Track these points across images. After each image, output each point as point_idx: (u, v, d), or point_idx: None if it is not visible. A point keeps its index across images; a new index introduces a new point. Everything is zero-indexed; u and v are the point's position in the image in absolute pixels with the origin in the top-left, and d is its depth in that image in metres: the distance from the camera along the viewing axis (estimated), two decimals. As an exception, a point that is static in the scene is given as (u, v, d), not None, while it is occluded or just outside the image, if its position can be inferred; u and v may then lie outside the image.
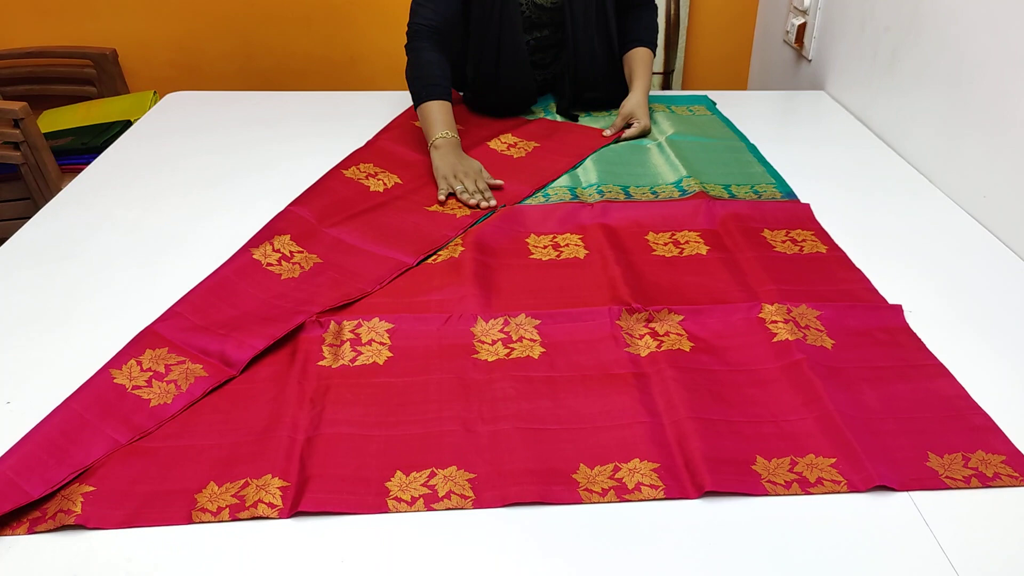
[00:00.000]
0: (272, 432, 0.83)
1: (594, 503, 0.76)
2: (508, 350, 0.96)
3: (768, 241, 1.19)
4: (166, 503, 0.75)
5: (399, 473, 0.79)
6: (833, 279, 1.10)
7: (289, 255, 1.12)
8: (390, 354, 0.95)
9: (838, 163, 1.47)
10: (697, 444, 0.80)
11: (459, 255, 1.13)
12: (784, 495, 0.76)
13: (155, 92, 2.35)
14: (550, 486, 0.77)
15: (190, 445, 0.82)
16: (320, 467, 0.79)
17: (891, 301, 1.04)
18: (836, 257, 1.15)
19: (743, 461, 0.80)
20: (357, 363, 0.93)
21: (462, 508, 0.75)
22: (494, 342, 0.97)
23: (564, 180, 1.39)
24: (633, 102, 1.56)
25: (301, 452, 0.80)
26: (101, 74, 2.40)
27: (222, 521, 0.73)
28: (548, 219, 1.25)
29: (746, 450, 0.81)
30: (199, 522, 0.73)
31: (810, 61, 1.98)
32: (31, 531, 0.72)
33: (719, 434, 0.82)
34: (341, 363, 0.93)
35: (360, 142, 1.46)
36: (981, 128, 1.28)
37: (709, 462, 0.78)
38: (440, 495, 0.76)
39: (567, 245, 1.18)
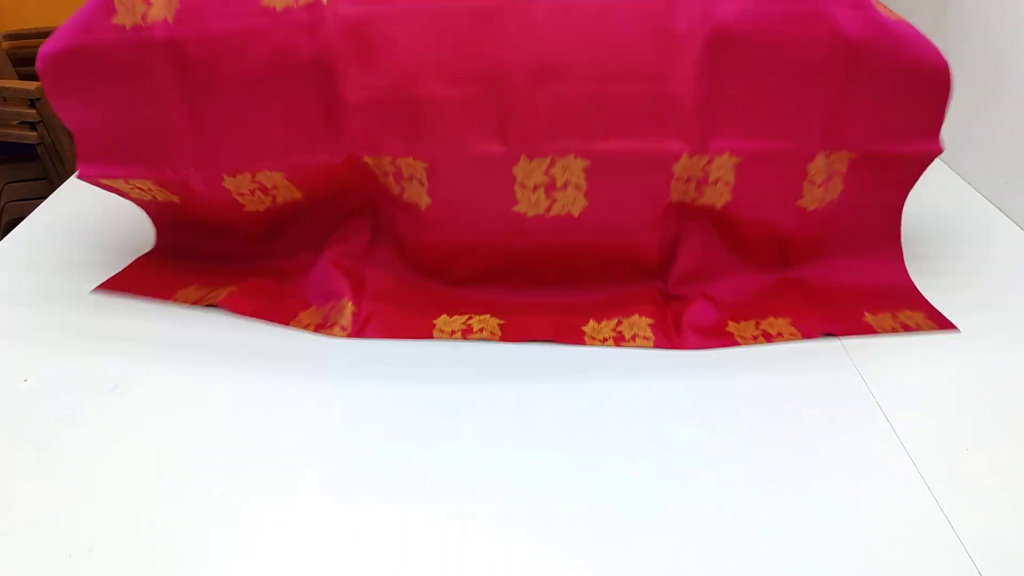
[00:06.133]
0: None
1: (595, 346, 0.89)
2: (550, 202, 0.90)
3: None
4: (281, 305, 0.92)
5: (444, 316, 0.92)
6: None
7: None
8: (429, 200, 0.89)
9: (855, 147, 1.45)
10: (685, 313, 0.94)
11: None
12: (752, 345, 0.90)
13: (170, 73, 2.36)
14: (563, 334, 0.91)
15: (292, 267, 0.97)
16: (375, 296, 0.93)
17: (906, 285, 1.04)
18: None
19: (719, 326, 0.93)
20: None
21: (492, 340, 0.89)
22: (536, 188, 0.89)
23: None
24: None
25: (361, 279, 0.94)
26: (116, 55, 2.40)
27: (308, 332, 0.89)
28: None
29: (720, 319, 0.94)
30: (297, 327, 0.90)
31: (828, 45, 1.95)
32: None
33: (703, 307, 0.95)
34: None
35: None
36: (1002, 110, 1.27)
37: (691, 327, 0.92)
38: (475, 330, 0.90)
39: None
